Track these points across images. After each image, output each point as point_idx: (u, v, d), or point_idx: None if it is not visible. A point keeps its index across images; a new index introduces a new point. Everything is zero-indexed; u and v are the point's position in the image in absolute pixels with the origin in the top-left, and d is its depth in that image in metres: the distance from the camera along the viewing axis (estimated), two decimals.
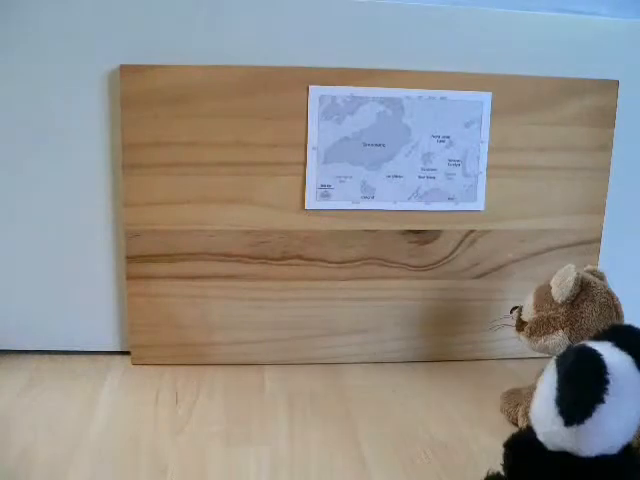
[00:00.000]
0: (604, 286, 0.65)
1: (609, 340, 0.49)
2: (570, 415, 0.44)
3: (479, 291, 0.82)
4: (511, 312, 0.70)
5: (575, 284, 0.64)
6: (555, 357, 0.48)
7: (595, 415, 0.44)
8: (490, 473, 0.51)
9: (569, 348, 0.48)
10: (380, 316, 0.81)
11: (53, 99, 0.73)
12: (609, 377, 0.44)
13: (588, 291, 0.64)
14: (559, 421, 0.45)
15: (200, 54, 0.73)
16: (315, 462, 0.61)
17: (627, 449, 0.47)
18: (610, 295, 0.65)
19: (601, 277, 0.67)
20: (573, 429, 0.44)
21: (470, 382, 0.78)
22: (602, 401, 0.44)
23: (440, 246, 0.80)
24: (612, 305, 0.64)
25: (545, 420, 0.46)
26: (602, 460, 0.46)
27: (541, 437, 0.47)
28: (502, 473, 0.50)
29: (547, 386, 0.47)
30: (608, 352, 0.47)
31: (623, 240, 0.85)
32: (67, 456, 0.60)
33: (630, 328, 0.51)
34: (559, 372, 0.46)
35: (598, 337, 0.51)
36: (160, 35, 0.73)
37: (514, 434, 0.52)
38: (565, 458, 0.46)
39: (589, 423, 0.44)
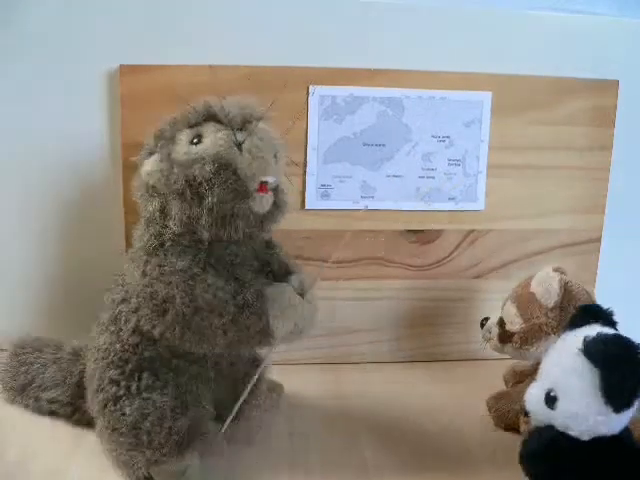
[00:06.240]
0: (577, 283, 0.65)
1: (593, 321, 0.51)
2: (621, 402, 0.47)
3: (479, 291, 0.82)
4: (482, 325, 0.69)
5: (560, 286, 0.63)
6: (583, 352, 0.48)
7: None
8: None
9: (596, 340, 0.48)
10: (380, 316, 0.81)
11: (53, 99, 0.73)
12: None
13: (569, 291, 0.64)
14: (605, 410, 0.47)
15: (200, 54, 0.73)
16: (315, 462, 0.61)
17: None
18: (585, 290, 0.65)
19: (566, 274, 0.67)
20: (622, 413, 0.47)
21: (470, 382, 0.78)
22: None
23: (440, 246, 0.80)
24: (590, 300, 0.64)
25: (586, 414, 0.47)
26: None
27: (578, 432, 0.48)
28: None
29: (579, 381, 0.48)
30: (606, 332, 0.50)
31: (623, 240, 0.84)
32: None
33: (598, 307, 0.54)
34: (597, 363, 0.47)
35: (576, 323, 0.52)
36: (160, 35, 0.73)
37: (531, 441, 0.51)
38: (598, 443, 0.48)
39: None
